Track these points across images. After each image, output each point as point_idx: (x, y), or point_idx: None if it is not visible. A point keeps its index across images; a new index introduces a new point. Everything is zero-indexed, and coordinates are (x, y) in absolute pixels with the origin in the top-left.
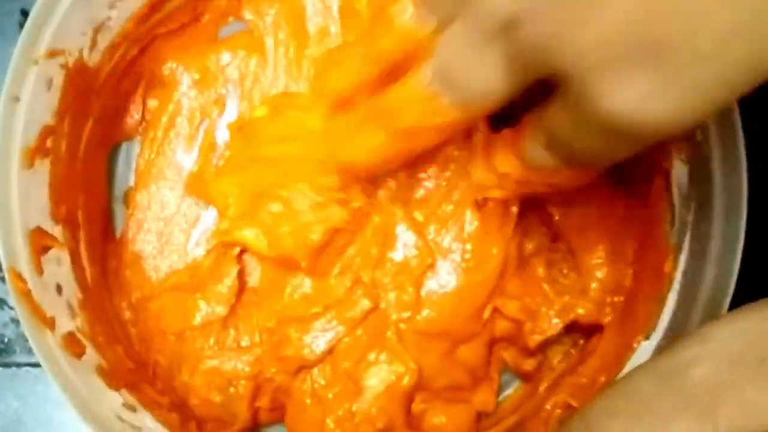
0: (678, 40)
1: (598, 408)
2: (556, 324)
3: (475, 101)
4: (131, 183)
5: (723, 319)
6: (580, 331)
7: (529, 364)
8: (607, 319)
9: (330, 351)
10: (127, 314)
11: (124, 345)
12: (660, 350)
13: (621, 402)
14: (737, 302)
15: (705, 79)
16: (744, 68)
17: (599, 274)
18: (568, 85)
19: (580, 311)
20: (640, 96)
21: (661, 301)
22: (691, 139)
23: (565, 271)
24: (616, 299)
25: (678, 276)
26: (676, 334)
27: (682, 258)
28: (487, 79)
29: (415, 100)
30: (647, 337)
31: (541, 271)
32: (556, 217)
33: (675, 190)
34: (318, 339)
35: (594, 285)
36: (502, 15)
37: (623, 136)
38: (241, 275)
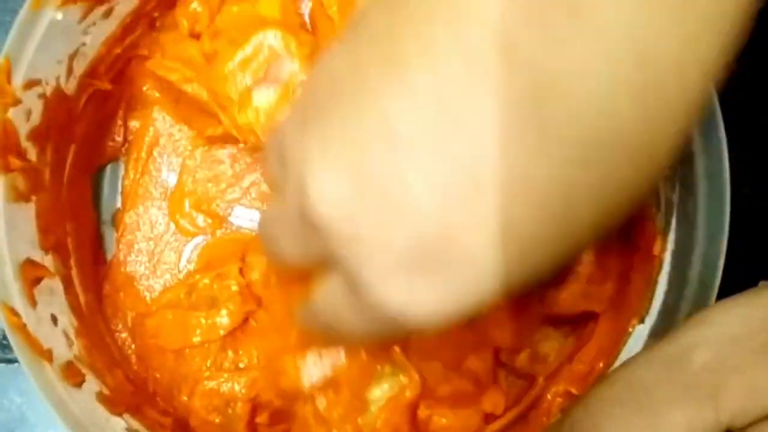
0: (457, 253)
1: (599, 397)
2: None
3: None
4: (118, 205)
5: (723, 303)
6: (569, 323)
7: (520, 361)
8: (594, 305)
9: (330, 379)
10: (124, 335)
11: (124, 368)
12: (655, 332)
13: (623, 390)
14: (727, 279)
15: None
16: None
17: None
18: (352, 285)
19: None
20: (413, 298)
21: (653, 284)
22: None
23: None
24: (602, 287)
25: (668, 257)
26: (670, 316)
27: (671, 239)
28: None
29: None
30: (642, 320)
31: None
32: None
33: None
34: (316, 368)
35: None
36: (307, 214)
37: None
38: (244, 300)
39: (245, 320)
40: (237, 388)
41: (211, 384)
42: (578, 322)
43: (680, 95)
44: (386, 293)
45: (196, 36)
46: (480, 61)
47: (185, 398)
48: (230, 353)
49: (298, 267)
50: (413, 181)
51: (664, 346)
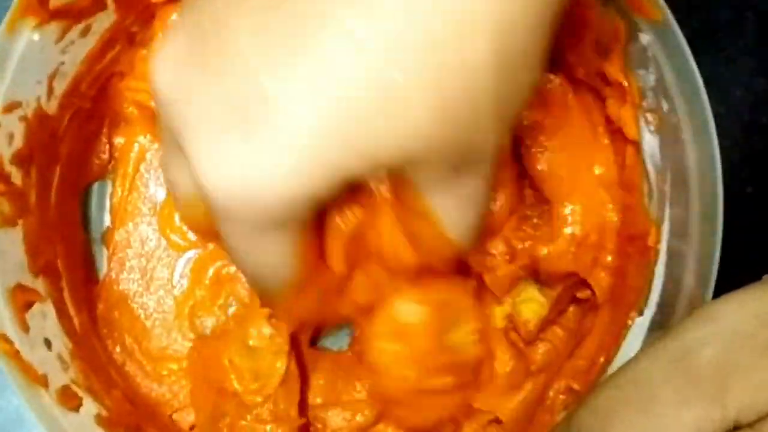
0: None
1: (606, 397)
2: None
3: None
4: (107, 223)
5: (728, 297)
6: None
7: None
8: (581, 269)
9: None
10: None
11: (122, 387)
12: (654, 324)
13: (630, 389)
14: (724, 268)
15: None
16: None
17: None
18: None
19: (544, 251)
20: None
21: (650, 275)
22: (658, 110)
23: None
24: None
25: (663, 248)
26: (668, 307)
27: (665, 229)
28: None
29: None
30: (641, 313)
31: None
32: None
33: (648, 162)
34: None
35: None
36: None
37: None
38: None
39: None
40: None
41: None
42: (564, 291)
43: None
44: (204, 161)
45: None
46: None
47: None
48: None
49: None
50: (239, 32)
51: (669, 343)
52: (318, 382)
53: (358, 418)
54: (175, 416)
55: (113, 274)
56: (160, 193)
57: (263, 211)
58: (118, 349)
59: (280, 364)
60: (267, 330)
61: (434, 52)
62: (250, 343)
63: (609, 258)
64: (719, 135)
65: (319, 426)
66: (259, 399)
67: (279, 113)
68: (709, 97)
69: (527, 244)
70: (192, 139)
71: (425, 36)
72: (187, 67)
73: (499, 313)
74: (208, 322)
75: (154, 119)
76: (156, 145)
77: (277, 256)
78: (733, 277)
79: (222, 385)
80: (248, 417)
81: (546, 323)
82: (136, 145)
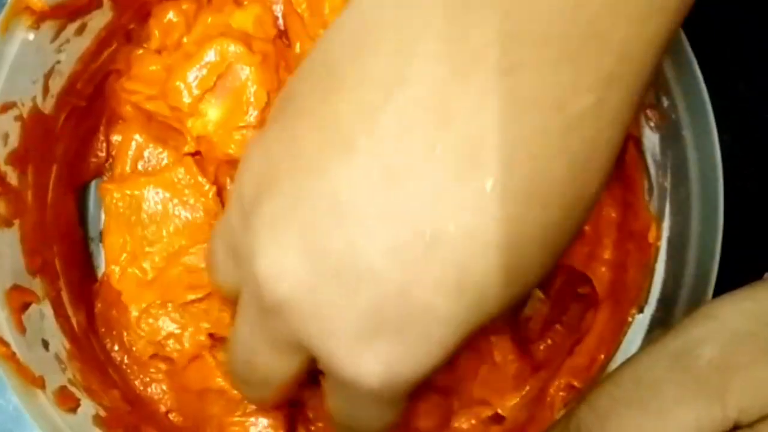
0: (417, 309)
1: (606, 395)
2: None
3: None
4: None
5: (728, 297)
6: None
7: None
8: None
9: None
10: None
11: (120, 387)
12: (654, 321)
13: (630, 388)
14: (725, 264)
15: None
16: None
17: None
18: (326, 365)
19: None
20: (386, 361)
21: (650, 272)
22: (657, 107)
23: None
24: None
25: (663, 244)
26: (669, 304)
27: (665, 225)
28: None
29: None
30: (641, 310)
31: None
32: None
33: (648, 158)
34: None
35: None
36: (268, 300)
37: (383, 399)
38: None
39: None
40: (266, 427)
41: (238, 429)
42: (563, 287)
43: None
44: (355, 364)
45: (167, 49)
46: (414, 120)
47: None
48: None
49: (288, 380)
50: (364, 247)
51: (669, 342)
52: None
53: None
54: (171, 416)
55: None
56: None
57: (406, 390)
58: (116, 347)
59: None
60: None
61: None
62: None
63: (608, 253)
64: (721, 130)
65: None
66: None
67: (423, 313)
68: (711, 92)
69: None
70: (330, 339)
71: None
72: (315, 276)
73: None
74: None
75: (149, 120)
76: (152, 145)
77: (389, 417)
78: (734, 273)
79: (205, 386)
80: (236, 413)
81: (549, 322)
82: (133, 143)
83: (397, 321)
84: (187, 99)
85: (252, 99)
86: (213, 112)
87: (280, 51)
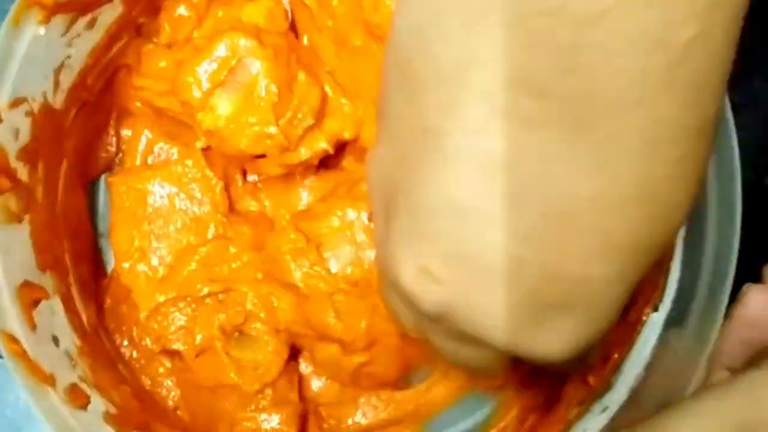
0: (575, 283)
1: None
2: None
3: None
4: None
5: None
6: None
7: None
8: None
9: None
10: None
11: (131, 384)
12: (669, 320)
13: None
14: (743, 262)
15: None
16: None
17: None
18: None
19: None
20: (565, 338)
21: (666, 271)
22: None
23: None
24: None
25: (679, 243)
26: (684, 304)
27: None
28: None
29: None
30: (656, 309)
31: None
32: None
33: None
34: None
35: None
36: (428, 313)
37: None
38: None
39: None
40: (278, 423)
41: (250, 425)
42: None
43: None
44: (533, 349)
45: (177, 44)
46: (499, 99)
47: None
48: (268, 390)
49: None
50: (496, 241)
51: (737, 408)
52: None
53: None
54: (179, 412)
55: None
56: None
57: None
58: (125, 342)
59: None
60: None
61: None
62: (253, 334)
63: None
64: (738, 126)
65: (333, 422)
66: (257, 386)
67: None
68: (728, 88)
69: None
70: (494, 332)
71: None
72: (460, 282)
73: None
74: None
75: (159, 116)
76: (162, 141)
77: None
78: (752, 273)
79: (217, 382)
80: (249, 408)
81: None
82: (143, 137)
83: (562, 299)
84: (197, 94)
85: (263, 93)
86: (224, 106)
87: (292, 44)
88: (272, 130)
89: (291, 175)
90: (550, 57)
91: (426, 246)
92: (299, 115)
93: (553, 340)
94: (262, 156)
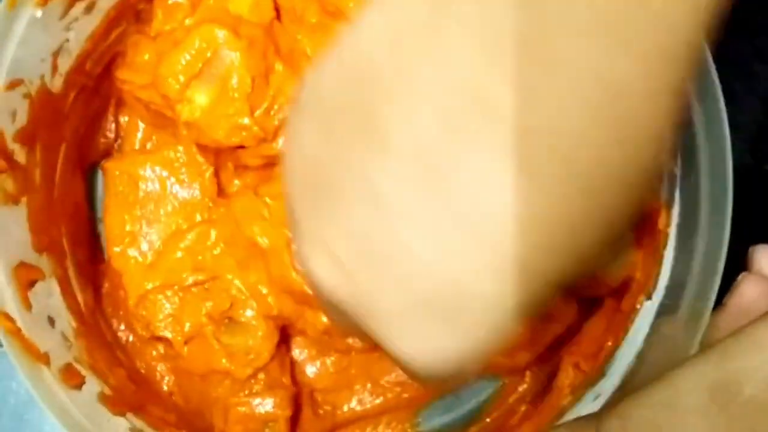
0: (468, 296)
1: (637, 414)
2: None
3: None
4: None
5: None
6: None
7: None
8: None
9: None
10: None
11: (126, 367)
12: (662, 309)
13: (663, 414)
14: (738, 249)
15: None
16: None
17: None
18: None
19: None
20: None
21: (659, 259)
22: None
23: None
24: None
25: (672, 231)
26: (677, 292)
27: (675, 213)
28: None
29: None
30: (649, 297)
31: None
32: None
33: None
34: None
35: None
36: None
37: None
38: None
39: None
40: (272, 407)
41: (244, 409)
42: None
43: (650, 121)
44: (411, 353)
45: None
46: (456, 116)
47: (221, 425)
48: (260, 374)
49: None
50: (410, 240)
51: (710, 370)
52: None
53: None
54: (174, 398)
55: None
56: None
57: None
58: (122, 327)
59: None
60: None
61: None
62: (242, 320)
63: None
64: (736, 111)
65: (328, 408)
66: (249, 371)
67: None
68: (727, 73)
69: None
70: (385, 328)
71: None
72: (365, 273)
73: None
74: None
75: (147, 108)
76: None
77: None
78: (743, 261)
79: (209, 368)
80: (242, 393)
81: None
82: (140, 124)
83: (451, 309)
84: (175, 86)
85: (237, 84)
86: (200, 98)
87: (275, 35)
88: (246, 121)
89: (271, 165)
90: (499, 80)
91: (341, 235)
92: (276, 106)
93: (428, 353)
94: (242, 147)
